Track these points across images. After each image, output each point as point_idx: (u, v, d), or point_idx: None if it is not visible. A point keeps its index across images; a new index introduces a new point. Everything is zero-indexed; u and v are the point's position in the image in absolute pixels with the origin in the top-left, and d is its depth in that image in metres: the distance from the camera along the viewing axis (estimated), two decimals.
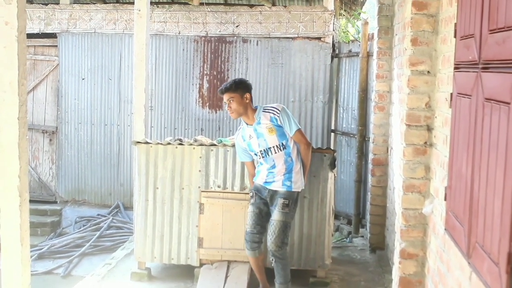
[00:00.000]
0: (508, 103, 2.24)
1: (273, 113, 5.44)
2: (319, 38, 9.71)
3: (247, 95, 5.48)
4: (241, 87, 5.49)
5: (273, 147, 5.44)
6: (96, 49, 10.34)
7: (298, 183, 5.47)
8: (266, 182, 5.51)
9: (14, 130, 3.30)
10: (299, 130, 5.46)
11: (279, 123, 5.40)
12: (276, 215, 5.42)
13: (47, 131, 10.70)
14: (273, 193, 5.48)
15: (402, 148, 4.34)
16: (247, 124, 5.55)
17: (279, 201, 5.40)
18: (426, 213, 4.17)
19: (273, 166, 5.47)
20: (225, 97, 5.47)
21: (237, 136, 5.73)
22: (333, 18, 9.75)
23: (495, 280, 2.35)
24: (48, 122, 10.72)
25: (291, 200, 5.42)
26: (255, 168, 5.71)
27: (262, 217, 5.57)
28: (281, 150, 5.42)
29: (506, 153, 2.25)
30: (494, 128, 2.45)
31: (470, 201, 2.84)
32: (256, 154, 5.56)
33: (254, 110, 5.52)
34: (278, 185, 5.45)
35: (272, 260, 5.52)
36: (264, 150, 5.47)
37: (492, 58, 2.57)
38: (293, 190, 5.42)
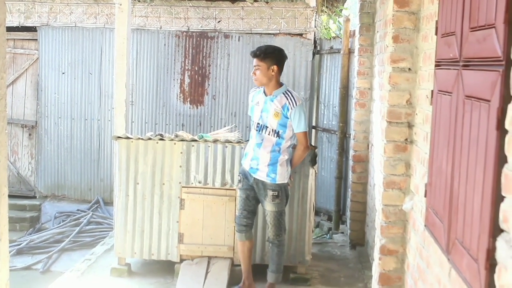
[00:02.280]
0: (488, 101, 2.25)
1: (289, 103, 5.32)
2: (300, 35, 9.73)
3: (274, 67, 5.32)
4: (270, 57, 5.34)
5: (270, 128, 5.37)
6: (76, 43, 10.26)
7: (284, 175, 5.39)
8: (251, 168, 5.46)
9: None
10: (304, 132, 5.36)
11: (288, 114, 5.30)
12: (268, 206, 5.42)
13: (27, 126, 10.61)
14: (258, 182, 5.44)
15: (383, 145, 4.36)
16: (264, 92, 5.47)
17: (269, 193, 5.38)
18: (406, 209, 4.20)
19: (259, 145, 5.39)
20: (254, 62, 5.39)
21: (252, 92, 5.68)
22: (315, 14, 9.77)
23: (474, 276, 2.37)
24: (27, 117, 10.63)
25: (280, 190, 5.39)
26: None
27: (249, 202, 5.56)
28: (273, 136, 5.36)
29: (486, 150, 2.27)
30: (474, 125, 2.47)
31: (450, 197, 2.86)
32: (252, 122, 5.55)
33: (279, 85, 5.42)
34: (263, 176, 5.40)
35: (270, 245, 5.58)
36: (261, 124, 5.42)
37: (472, 56, 2.59)
38: (277, 182, 5.38)
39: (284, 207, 5.52)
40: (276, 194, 5.37)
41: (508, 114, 2.01)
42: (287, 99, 5.34)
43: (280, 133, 5.35)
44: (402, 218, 4.33)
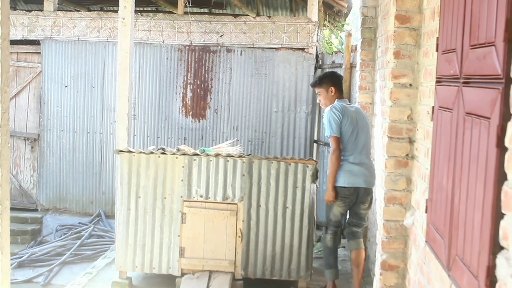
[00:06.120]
0: (488, 118, 2.26)
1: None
2: (302, 49, 9.76)
3: (332, 88, 5.80)
4: (325, 81, 5.83)
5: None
6: (79, 57, 10.30)
7: (339, 179, 5.77)
8: None
9: None
10: (331, 137, 5.63)
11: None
12: None
13: (29, 138, 10.63)
14: None
15: (384, 160, 4.37)
16: None
17: None
18: (407, 225, 4.19)
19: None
20: (315, 90, 5.91)
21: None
22: (317, 29, 9.80)
23: None
24: (30, 129, 10.66)
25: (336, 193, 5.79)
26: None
27: None
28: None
29: (486, 167, 2.27)
30: (474, 142, 2.48)
31: (450, 214, 2.86)
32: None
33: None
34: None
35: None
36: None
37: (473, 73, 2.60)
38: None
39: (329, 214, 5.90)
40: None
41: (508, 131, 2.02)
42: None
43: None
44: (403, 234, 4.33)
